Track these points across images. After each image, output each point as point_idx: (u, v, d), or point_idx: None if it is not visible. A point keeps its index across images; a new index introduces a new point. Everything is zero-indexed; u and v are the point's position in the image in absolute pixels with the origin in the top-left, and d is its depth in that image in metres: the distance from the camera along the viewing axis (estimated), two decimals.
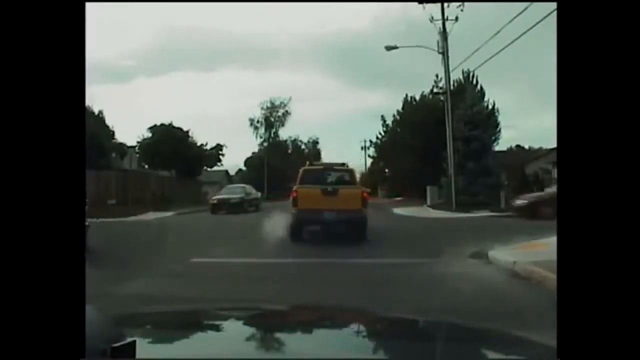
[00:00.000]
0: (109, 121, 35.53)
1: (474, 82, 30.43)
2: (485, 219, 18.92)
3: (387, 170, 43.13)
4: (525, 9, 17.00)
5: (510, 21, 18.56)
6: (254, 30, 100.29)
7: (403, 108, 35.69)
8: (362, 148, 66.95)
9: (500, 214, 20.40)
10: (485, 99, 29.67)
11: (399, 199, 41.40)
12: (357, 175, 12.98)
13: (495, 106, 30.41)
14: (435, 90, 25.42)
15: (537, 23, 16.11)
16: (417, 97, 34.41)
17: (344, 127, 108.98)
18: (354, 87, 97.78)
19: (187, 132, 40.46)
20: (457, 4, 22.49)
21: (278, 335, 1.57)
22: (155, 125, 39.26)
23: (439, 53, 23.56)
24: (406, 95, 35.60)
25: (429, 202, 27.41)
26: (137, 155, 39.68)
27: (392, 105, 43.90)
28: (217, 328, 1.67)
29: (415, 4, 22.74)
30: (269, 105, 63.93)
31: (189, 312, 2.10)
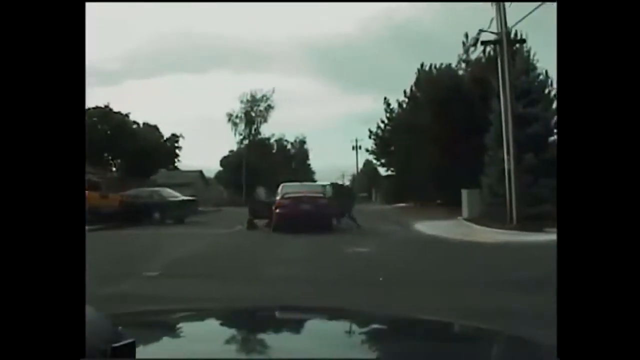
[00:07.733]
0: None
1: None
2: None
3: (392, 169, 34.27)
4: None
5: None
6: (242, 33, 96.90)
7: (416, 84, 26.78)
8: (353, 148, 60.02)
9: None
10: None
11: (402, 205, 32.97)
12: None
13: (549, 76, 21.37)
14: (479, 41, 17.18)
15: None
16: (438, 67, 25.41)
17: (334, 128, 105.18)
18: (344, 90, 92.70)
19: (127, 115, 30.40)
20: None
21: (278, 335, 1.57)
22: (88, 109, 28.50)
23: None
24: (422, 64, 26.29)
25: (466, 214, 18.81)
26: None
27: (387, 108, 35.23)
28: (217, 328, 1.66)
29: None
30: (249, 98, 56.27)
31: (189, 311, 2.10)
